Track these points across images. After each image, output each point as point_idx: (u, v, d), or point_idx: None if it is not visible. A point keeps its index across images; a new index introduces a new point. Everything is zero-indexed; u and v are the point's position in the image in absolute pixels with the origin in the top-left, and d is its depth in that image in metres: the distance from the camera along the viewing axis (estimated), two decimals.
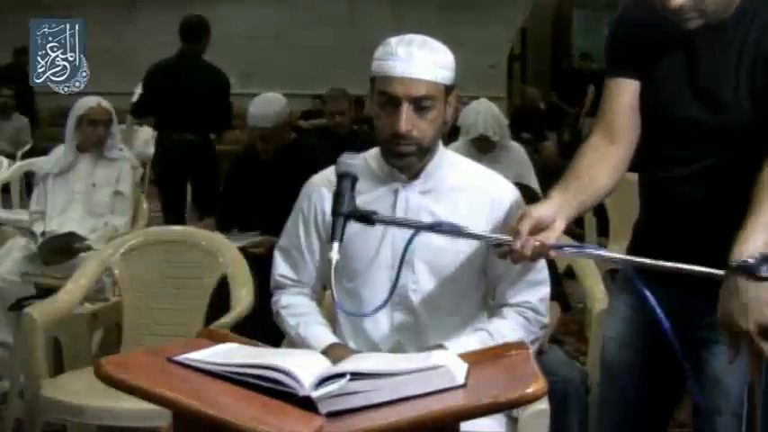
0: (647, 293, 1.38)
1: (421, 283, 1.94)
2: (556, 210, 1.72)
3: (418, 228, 1.70)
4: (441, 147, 1.99)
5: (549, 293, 2.00)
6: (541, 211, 1.70)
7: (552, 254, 1.71)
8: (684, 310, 1.76)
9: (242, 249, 3.44)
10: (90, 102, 3.99)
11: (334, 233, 1.64)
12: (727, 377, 1.78)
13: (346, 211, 1.65)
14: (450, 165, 2.00)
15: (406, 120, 1.85)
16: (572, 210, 1.79)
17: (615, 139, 1.89)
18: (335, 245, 1.63)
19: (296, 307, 2.07)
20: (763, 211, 1.62)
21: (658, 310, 1.40)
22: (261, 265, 3.09)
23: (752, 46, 1.75)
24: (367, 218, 1.66)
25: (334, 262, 1.63)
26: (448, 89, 1.90)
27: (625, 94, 1.90)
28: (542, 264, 1.97)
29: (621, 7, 1.99)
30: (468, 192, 1.96)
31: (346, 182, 1.69)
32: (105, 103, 4.03)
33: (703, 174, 1.81)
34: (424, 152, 1.92)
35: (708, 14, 1.75)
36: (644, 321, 1.88)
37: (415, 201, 1.94)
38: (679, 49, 1.83)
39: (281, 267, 2.10)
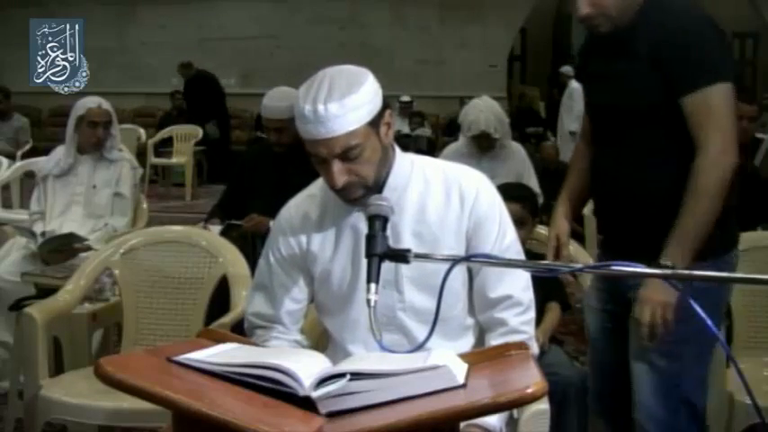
0: (697, 307, 1.39)
1: (408, 301, 1.92)
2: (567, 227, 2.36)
3: (455, 261, 1.65)
4: (397, 154, 1.93)
5: (528, 278, 1.96)
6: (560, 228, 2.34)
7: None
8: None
9: (233, 226, 3.48)
10: (90, 103, 3.97)
11: (370, 275, 1.62)
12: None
13: (381, 252, 1.63)
14: (413, 170, 1.95)
15: (339, 174, 1.80)
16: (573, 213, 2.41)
17: (589, 141, 2.32)
18: (373, 286, 1.61)
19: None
20: (679, 224, 2.03)
21: (710, 322, 1.41)
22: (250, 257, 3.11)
23: (653, 41, 2.08)
24: (402, 256, 1.64)
25: (372, 302, 1.61)
26: (374, 121, 1.82)
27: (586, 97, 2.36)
28: (516, 249, 1.96)
29: None
30: (432, 192, 1.93)
31: (378, 223, 1.66)
32: (106, 105, 4.01)
33: (621, 149, 2.19)
34: (374, 186, 1.87)
35: (615, 18, 2.12)
36: (616, 289, 2.26)
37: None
38: (602, 48, 2.22)
39: (255, 305, 2.05)
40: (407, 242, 1.87)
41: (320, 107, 1.76)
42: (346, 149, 1.79)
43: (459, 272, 1.93)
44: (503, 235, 1.93)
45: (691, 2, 2.17)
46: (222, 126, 11.08)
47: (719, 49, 2.11)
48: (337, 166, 1.80)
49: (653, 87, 2.09)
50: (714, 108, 2.05)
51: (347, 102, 1.76)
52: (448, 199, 1.92)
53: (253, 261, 2.90)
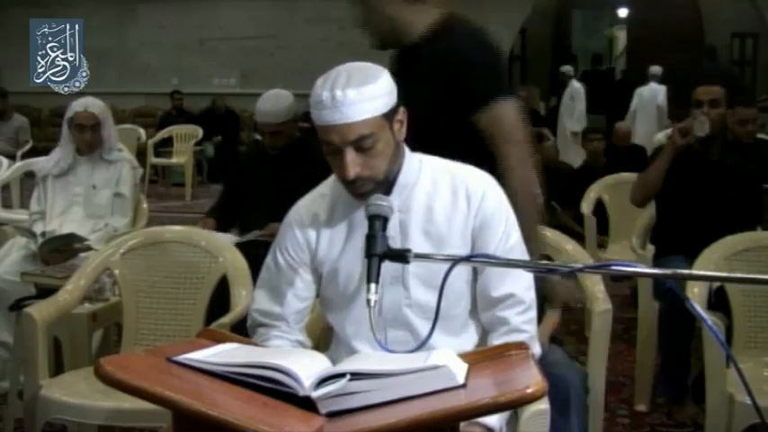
0: (695, 305, 1.41)
1: (413, 297, 1.93)
2: None
3: (455, 261, 1.65)
4: (407, 153, 1.96)
5: (531, 278, 1.97)
6: None
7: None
8: None
9: (251, 243, 3.47)
10: (77, 106, 3.91)
11: (370, 275, 1.63)
12: None
13: (381, 252, 1.64)
14: (421, 169, 1.96)
15: (352, 164, 1.81)
16: None
17: None
18: (373, 286, 1.62)
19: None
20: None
21: (705, 316, 1.44)
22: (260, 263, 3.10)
23: (436, 65, 2.26)
24: (402, 256, 1.66)
25: (372, 302, 1.62)
26: (388, 114, 1.84)
27: None
28: (521, 249, 1.97)
29: None
30: (440, 193, 1.94)
31: (378, 223, 1.67)
32: (93, 108, 3.93)
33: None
34: (385, 181, 1.88)
35: (380, 40, 2.40)
36: None
37: (394, 218, 1.88)
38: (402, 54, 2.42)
39: (259, 302, 2.05)
40: (417, 240, 1.89)
41: (338, 93, 1.78)
42: (360, 138, 1.80)
43: (464, 271, 1.94)
44: (507, 235, 1.94)
45: (475, 31, 2.42)
46: (224, 146, 11.28)
47: (504, 70, 2.34)
48: (351, 156, 1.81)
49: (433, 101, 2.24)
50: (507, 122, 2.24)
51: (365, 90, 1.79)
52: (455, 199, 1.94)
53: (261, 259, 2.91)
